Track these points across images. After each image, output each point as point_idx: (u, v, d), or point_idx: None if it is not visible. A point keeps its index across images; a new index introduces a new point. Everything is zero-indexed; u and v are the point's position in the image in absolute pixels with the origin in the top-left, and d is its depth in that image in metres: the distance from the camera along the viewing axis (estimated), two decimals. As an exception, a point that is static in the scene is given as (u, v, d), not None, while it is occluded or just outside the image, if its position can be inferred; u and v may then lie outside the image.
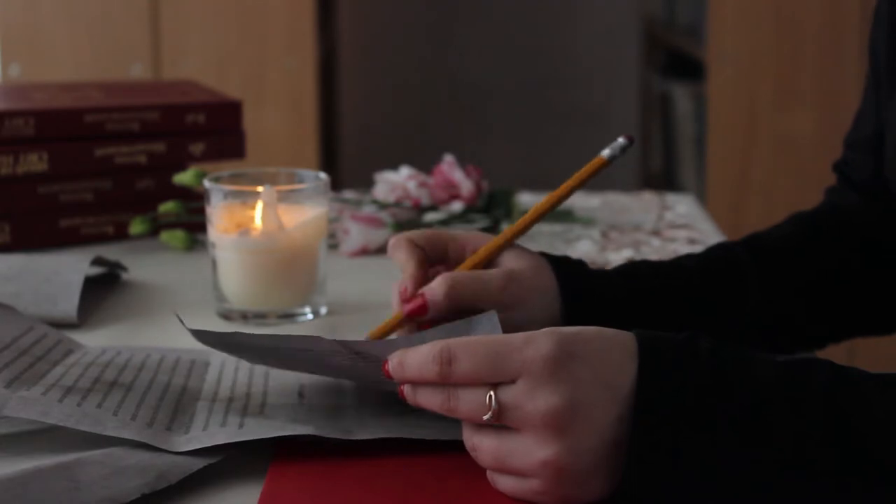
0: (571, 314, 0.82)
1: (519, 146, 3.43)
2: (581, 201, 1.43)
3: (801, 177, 2.43)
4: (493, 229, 1.26)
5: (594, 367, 0.62)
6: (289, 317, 1.00)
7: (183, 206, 1.21)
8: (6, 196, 1.19)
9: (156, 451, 0.69)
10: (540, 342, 0.62)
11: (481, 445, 0.64)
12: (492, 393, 0.62)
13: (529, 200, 1.39)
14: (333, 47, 3.19)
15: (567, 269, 0.84)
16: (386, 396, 0.75)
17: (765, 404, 0.61)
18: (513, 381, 0.62)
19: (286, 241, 0.99)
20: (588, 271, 0.85)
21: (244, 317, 0.99)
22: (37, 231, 1.21)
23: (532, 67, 3.41)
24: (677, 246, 1.24)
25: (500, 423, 0.63)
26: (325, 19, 2.84)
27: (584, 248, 1.23)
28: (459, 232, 0.86)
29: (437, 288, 0.79)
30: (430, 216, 1.26)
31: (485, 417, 0.62)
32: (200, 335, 0.76)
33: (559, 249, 1.21)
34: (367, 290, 1.08)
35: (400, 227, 1.20)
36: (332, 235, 1.19)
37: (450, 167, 1.28)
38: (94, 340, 0.93)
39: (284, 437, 0.70)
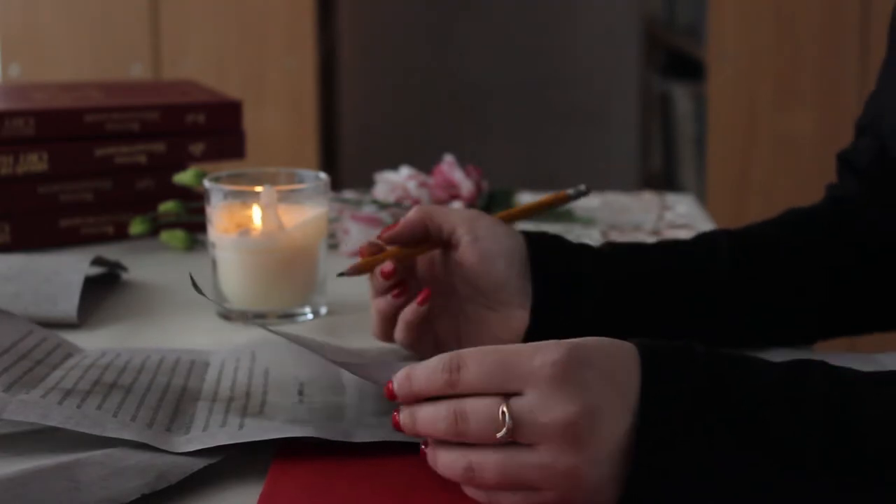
0: (536, 256, 0.85)
1: (519, 146, 3.43)
2: (581, 201, 1.42)
3: (801, 177, 2.43)
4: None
5: (605, 373, 0.61)
6: (289, 317, 1.00)
7: (183, 206, 1.21)
8: (6, 196, 1.19)
9: (156, 452, 0.69)
10: (549, 350, 0.62)
11: (484, 464, 0.62)
12: (504, 408, 0.61)
13: (529, 200, 1.39)
14: (333, 47, 3.19)
15: (535, 236, 0.87)
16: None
17: (762, 406, 0.61)
18: (521, 392, 0.61)
19: (286, 241, 0.99)
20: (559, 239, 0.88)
21: (244, 317, 0.99)
22: (37, 231, 1.21)
23: (532, 67, 3.40)
24: (677, 246, 1.24)
25: (513, 439, 0.61)
26: (325, 19, 2.84)
27: (584, 248, 1.23)
28: (437, 210, 0.87)
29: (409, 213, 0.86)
30: (430, 216, 1.26)
31: (498, 435, 0.61)
32: (290, 336, 0.76)
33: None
34: (367, 290, 1.07)
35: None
36: (332, 235, 1.19)
37: (450, 167, 1.28)
38: (94, 340, 0.93)
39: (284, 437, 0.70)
